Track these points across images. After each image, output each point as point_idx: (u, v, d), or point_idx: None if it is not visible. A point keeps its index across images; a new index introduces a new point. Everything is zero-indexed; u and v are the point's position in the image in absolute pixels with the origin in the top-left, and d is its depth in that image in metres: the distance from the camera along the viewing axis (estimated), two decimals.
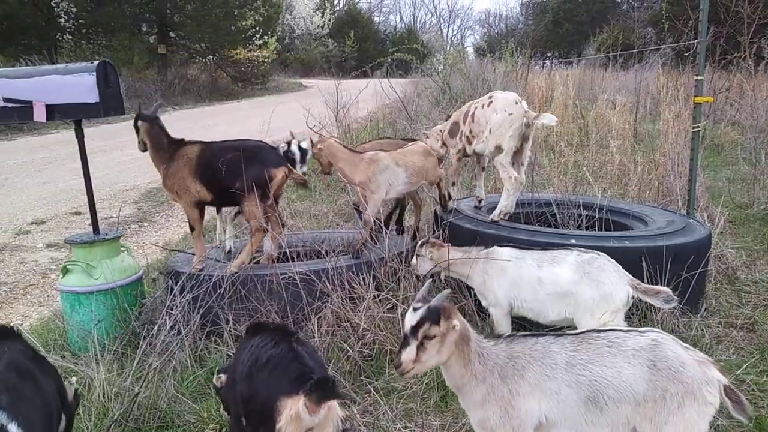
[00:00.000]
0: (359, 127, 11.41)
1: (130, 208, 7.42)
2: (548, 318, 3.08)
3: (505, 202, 3.99)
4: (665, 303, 2.72)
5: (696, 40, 4.40)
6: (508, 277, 3.12)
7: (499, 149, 3.95)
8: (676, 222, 4.05)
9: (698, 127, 4.50)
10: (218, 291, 3.32)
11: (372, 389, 3.02)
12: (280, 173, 3.50)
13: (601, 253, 3.00)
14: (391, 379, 3.14)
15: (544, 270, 3.04)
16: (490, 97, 4.10)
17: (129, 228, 6.63)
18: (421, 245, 3.38)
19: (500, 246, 3.24)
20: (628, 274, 2.91)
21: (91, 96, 3.52)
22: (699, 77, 4.38)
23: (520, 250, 3.18)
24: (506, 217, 4.06)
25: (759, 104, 8.81)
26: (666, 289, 2.75)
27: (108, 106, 3.59)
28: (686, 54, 8.00)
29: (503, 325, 3.18)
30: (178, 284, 3.44)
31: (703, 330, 3.52)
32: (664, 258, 3.46)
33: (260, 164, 3.48)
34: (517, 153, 4.00)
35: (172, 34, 24.30)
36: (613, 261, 2.96)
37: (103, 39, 22.31)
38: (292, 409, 1.87)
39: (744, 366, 3.24)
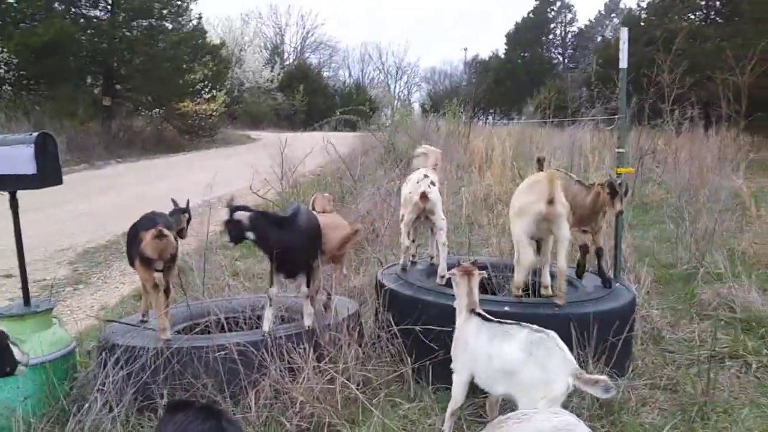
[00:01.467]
0: (305, 182, 11.55)
1: (65, 269, 7.20)
2: (496, 392, 3.10)
3: (442, 266, 4.28)
4: (604, 392, 2.66)
5: (617, 116, 4.75)
6: (469, 350, 3.14)
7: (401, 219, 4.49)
8: (603, 288, 4.27)
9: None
10: (153, 365, 3.27)
11: None
12: (147, 235, 3.48)
13: (552, 334, 2.98)
14: None
15: (494, 346, 3.06)
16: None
17: (63, 290, 6.43)
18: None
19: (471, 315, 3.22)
20: (573, 361, 2.91)
21: (29, 167, 3.49)
22: (620, 149, 4.72)
23: (482, 321, 3.16)
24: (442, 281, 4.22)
25: (682, 165, 9.42)
26: (604, 378, 2.74)
27: (45, 178, 3.57)
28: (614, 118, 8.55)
29: (458, 393, 3.17)
30: (113, 358, 3.37)
31: (629, 393, 3.68)
32: (590, 324, 3.63)
33: (137, 231, 3.63)
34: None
35: (117, 86, 24.11)
36: (562, 344, 2.94)
37: (45, 90, 21.92)
38: None
39: (666, 428, 3.41)
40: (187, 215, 4.33)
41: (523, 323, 3.10)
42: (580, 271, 4.53)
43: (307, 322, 3.71)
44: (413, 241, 4.70)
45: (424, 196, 4.22)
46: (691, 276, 6.07)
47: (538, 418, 2.19)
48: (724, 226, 7.66)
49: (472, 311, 3.19)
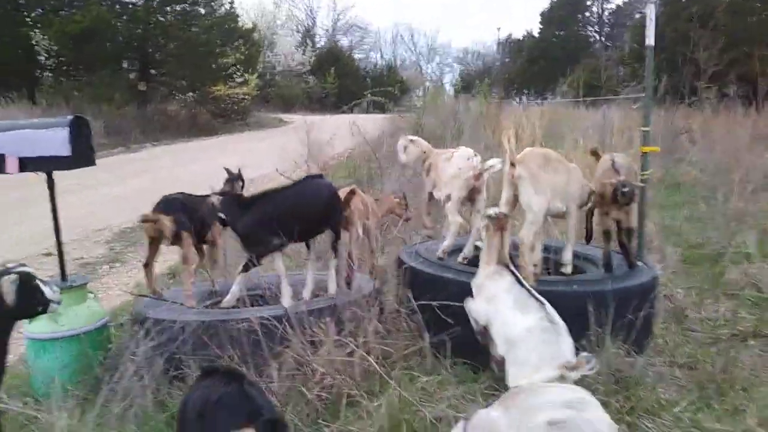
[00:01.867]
0: (336, 164, 11.67)
1: (102, 249, 7.49)
2: (497, 351, 3.21)
3: (447, 242, 4.33)
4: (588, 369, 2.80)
5: (639, 87, 4.68)
6: (495, 302, 3.25)
7: (448, 198, 4.28)
8: (624, 265, 4.26)
9: (646, 174, 4.76)
10: (180, 337, 3.43)
11: None
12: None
13: (561, 325, 3.06)
14: (347, 422, 3.26)
15: (511, 311, 3.16)
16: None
17: (100, 269, 6.70)
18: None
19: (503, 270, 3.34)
20: (568, 353, 2.98)
21: (64, 149, 3.68)
22: (645, 128, 4.66)
23: (514, 282, 3.25)
24: (446, 256, 4.31)
25: (716, 144, 9.19)
26: (583, 355, 2.85)
27: (79, 159, 3.76)
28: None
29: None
30: (143, 329, 3.55)
31: (646, 369, 3.70)
32: (608, 302, 3.65)
33: None
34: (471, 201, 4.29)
35: (152, 71, 24.59)
36: (566, 336, 3.04)
37: (83, 76, 22.52)
38: None
39: (683, 403, 3.42)
40: (240, 182, 4.67)
41: (547, 305, 3.17)
42: (606, 260, 4.22)
43: (286, 302, 3.81)
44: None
45: (479, 175, 4.12)
46: (719, 256, 5.98)
47: (551, 391, 2.24)
48: (758, 206, 7.50)
49: (506, 266, 3.26)
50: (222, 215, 3.88)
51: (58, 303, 2.74)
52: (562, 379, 2.79)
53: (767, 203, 7.62)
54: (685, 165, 10.39)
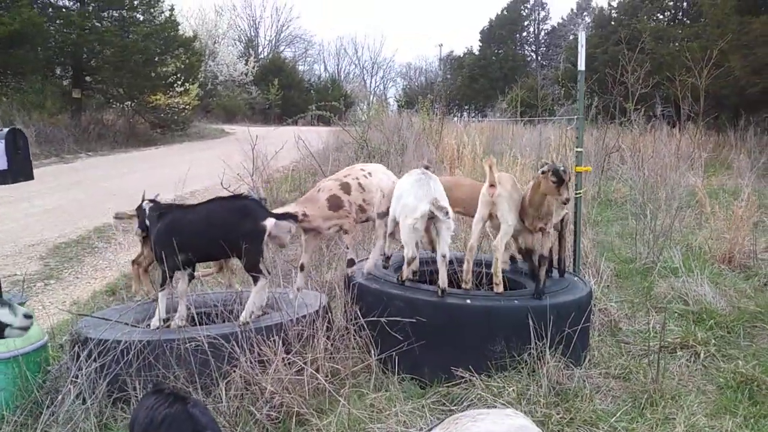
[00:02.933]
0: (281, 177, 11.62)
1: (36, 265, 7.18)
2: (395, 214, 4.07)
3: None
4: (445, 216, 3.69)
5: (572, 107, 4.94)
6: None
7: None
8: (562, 281, 4.47)
9: (580, 193, 5.02)
10: (125, 358, 3.35)
11: None
12: None
13: (432, 177, 3.97)
14: None
15: (401, 181, 4.17)
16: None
17: (34, 286, 6.42)
18: None
19: None
20: (434, 193, 3.83)
21: (0, 163, 3.54)
22: (578, 149, 4.92)
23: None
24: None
25: (644, 163, 9.70)
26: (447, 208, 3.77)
27: (17, 173, 3.63)
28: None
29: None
30: (85, 351, 3.45)
31: (584, 381, 3.89)
32: (547, 316, 3.82)
33: None
34: None
35: (88, 78, 23.71)
36: (435, 183, 3.94)
37: (12, 81, 21.47)
38: None
39: (618, 413, 3.62)
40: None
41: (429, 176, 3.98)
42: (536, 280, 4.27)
43: (154, 323, 3.81)
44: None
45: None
46: (648, 270, 6.34)
47: (492, 419, 2.32)
48: (684, 222, 7.98)
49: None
50: (147, 221, 4.00)
51: (20, 329, 2.49)
52: (433, 212, 3.70)
53: (691, 220, 8.13)
54: (615, 183, 10.92)
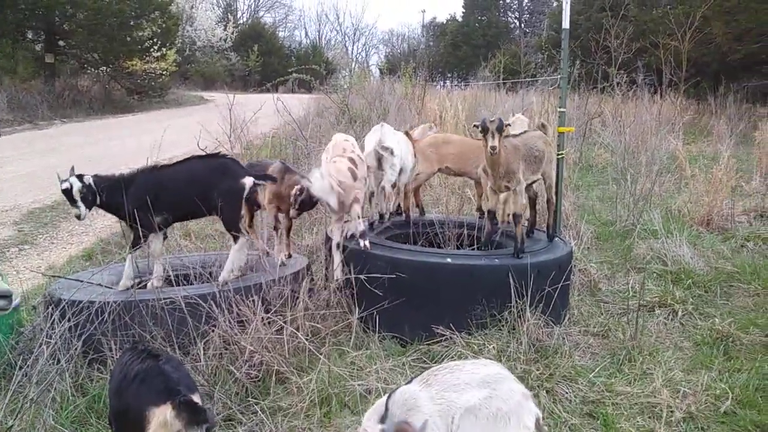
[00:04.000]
0: (261, 144, 11.43)
1: (10, 230, 7.02)
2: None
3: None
4: (386, 151, 4.35)
5: (558, 76, 4.88)
6: None
7: None
8: (542, 241, 4.47)
9: (562, 154, 4.98)
10: (100, 318, 3.29)
11: (258, 409, 3.13)
12: None
13: (385, 126, 4.49)
14: (277, 398, 3.26)
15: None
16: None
17: (8, 252, 6.29)
18: None
19: None
20: (382, 138, 4.32)
21: None
22: (561, 109, 4.87)
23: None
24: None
25: (626, 128, 9.71)
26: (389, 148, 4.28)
27: None
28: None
29: None
30: (58, 311, 3.38)
31: (563, 338, 3.92)
32: (528, 274, 3.82)
33: None
34: None
35: (61, 43, 22.96)
36: (387, 129, 4.45)
37: None
38: (160, 417, 2.07)
39: (597, 369, 3.66)
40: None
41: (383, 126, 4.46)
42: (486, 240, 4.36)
43: (123, 284, 3.77)
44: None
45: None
46: (628, 233, 6.38)
47: (468, 369, 2.35)
48: (664, 187, 8.03)
49: None
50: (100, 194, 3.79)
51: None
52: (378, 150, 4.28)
53: (671, 184, 8.18)
54: (597, 148, 10.94)
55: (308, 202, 4.15)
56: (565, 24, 4.75)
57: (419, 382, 2.32)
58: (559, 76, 4.93)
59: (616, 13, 11.83)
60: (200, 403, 2.18)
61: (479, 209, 5.21)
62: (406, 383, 2.40)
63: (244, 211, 3.84)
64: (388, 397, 2.25)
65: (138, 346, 2.49)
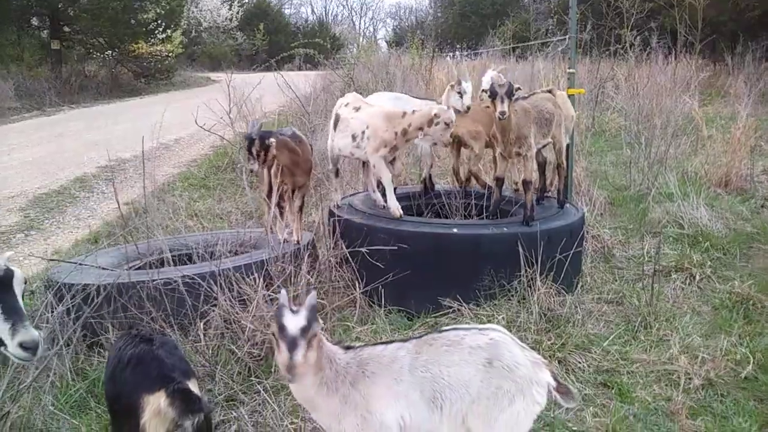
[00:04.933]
0: (267, 123, 11.30)
1: (16, 216, 6.99)
2: None
3: None
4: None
5: (567, 36, 4.67)
6: None
7: None
8: (553, 207, 4.31)
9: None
10: (96, 301, 3.21)
11: (261, 389, 3.04)
12: None
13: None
14: (279, 377, 3.17)
15: None
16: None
17: (14, 237, 6.26)
18: None
19: None
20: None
21: None
22: (571, 70, 4.67)
23: None
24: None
25: (640, 91, 9.43)
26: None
27: None
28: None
29: None
30: (55, 295, 3.31)
31: (576, 306, 3.78)
32: (538, 242, 3.68)
33: None
34: None
35: (66, 29, 22.85)
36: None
37: None
38: (154, 405, 1.99)
39: (611, 337, 3.53)
40: None
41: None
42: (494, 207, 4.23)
43: None
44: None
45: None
46: (643, 197, 6.18)
47: (467, 342, 2.10)
48: (680, 149, 7.78)
49: None
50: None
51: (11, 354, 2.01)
52: None
53: (686, 146, 7.93)
54: (610, 113, 10.64)
55: None
56: None
57: (413, 346, 2.12)
58: (567, 37, 4.72)
59: None
60: (195, 390, 2.09)
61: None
62: (402, 341, 2.20)
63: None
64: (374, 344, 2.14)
65: (132, 331, 2.41)
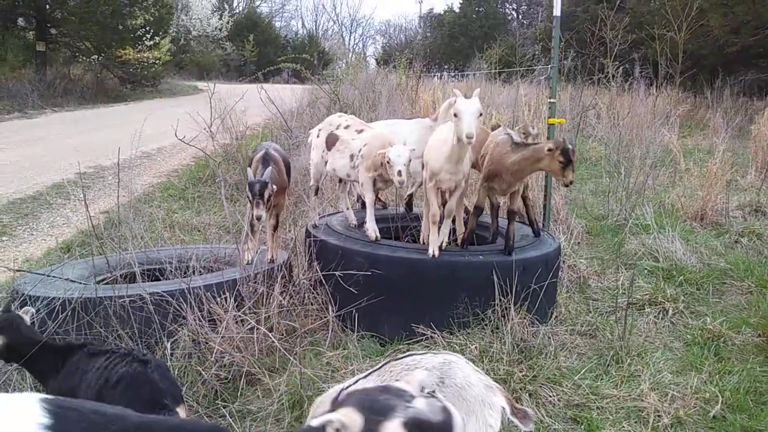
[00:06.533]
0: (251, 135, 11.25)
1: None
2: None
3: None
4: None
5: (549, 66, 4.72)
6: None
7: None
8: (530, 236, 4.32)
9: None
10: (60, 316, 3.13)
11: (227, 413, 2.98)
12: None
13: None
14: (246, 401, 3.12)
15: None
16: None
17: None
18: None
19: None
20: None
21: None
22: (552, 100, 4.72)
23: None
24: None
25: (620, 121, 9.57)
26: None
27: None
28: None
29: None
30: (20, 307, 3.21)
31: (549, 338, 3.78)
32: (513, 271, 3.68)
33: None
34: None
35: (53, 31, 22.66)
36: None
37: None
38: None
39: (582, 371, 3.52)
40: None
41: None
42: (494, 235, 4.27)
43: None
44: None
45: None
46: (620, 228, 6.23)
47: (423, 364, 2.14)
48: (657, 180, 7.89)
49: None
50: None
51: None
52: None
53: (665, 178, 8.04)
54: (591, 141, 10.78)
55: None
56: (557, 11, 4.59)
57: (377, 377, 2.12)
58: (550, 67, 4.77)
59: (612, 4, 11.62)
60: (183, 416, 2.05)
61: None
62: (364, 376, 2.18)
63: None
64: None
65: (116, 350, 2.35)
